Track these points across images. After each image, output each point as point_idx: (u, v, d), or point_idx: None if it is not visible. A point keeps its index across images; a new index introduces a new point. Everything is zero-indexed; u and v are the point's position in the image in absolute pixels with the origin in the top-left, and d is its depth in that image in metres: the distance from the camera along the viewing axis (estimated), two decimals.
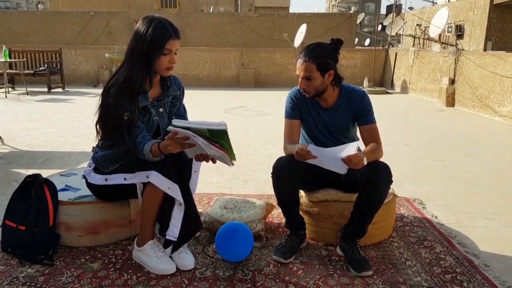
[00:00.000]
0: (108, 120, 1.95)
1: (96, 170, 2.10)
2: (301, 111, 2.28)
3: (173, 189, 1.93)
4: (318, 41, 2.22)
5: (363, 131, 2.24)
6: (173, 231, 1.98)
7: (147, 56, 1.92)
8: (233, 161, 1.87)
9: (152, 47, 1.90)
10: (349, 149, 1.92)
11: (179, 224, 1.99)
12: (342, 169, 1.97)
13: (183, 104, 2.24)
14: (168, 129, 1.77)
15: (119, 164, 2.02)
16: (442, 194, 3.19)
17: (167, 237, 1.99)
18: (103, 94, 1.97)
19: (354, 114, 2.23)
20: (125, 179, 2.00)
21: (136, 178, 1.98)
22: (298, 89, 2.28)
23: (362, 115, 2.22)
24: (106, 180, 2.06)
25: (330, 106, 2.24)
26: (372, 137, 2.20)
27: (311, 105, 2.26)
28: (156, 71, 1.98)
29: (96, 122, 2.00)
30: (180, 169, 2.04)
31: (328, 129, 2.26)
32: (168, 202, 1.99)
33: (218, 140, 1.78)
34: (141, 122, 1.98)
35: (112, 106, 1.91)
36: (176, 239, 2.00)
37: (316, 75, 2.10)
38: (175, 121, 1.76)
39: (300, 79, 2.15)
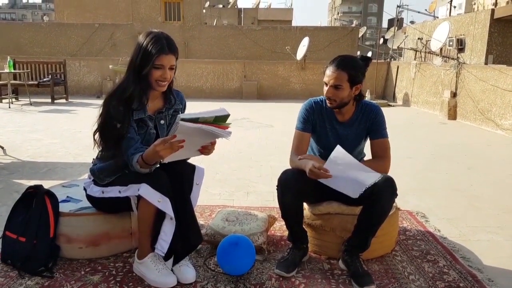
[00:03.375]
0: (104, 130, 1.96)
1: (95, 182, 2.10)
2: (314, 123, 2.27)
3: (163, 203, 1.90)
4: (350, 54, 2.24)
5: (374, 145, 2.23)
6: (162, 245, 1.96)
7: (140, 68, 1.93)
8: (229, 129, 1.84)
9: (143, 60, 1.92)
10: (372, 177, 1.94)
11: (168, 238, 1.96)
12: (355, 193, 1.98)
13: None
14: (178, 123, 1.72)
15: (115, 177, 2.02)
16: (445, 208, 3.17)
17: (155, 251, 1.98)
18: (103, 104, 1.99)
19: (367, 128, 2.24)
20: (119, 192, 2.00)
21: (129, 191, 1.98)
22: (313, 101, 2.29)
23: (375, 129, 2.22)
24: (102, 192, 2.06)
25: (346, 120, 2.25)
26: (382, 152, 2.20)
27: (327, 118, 2.26)
28: (149, 85, 1.98)
29: (94, 132, 2.01)
30: (181, 181, 2.03)
31: (342, 143, 2.25)
32: (159, 215, 1.97)
33: (219, 122, 1.82)
34: (137, 134, 1.98)
35: (108, 116, 1.93)
36: (164, 254, 1.97)
37: (345, 86, 2.10)
38: (182, 115, 1.74)
39: (327, 87, 2.14)
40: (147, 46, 1.91)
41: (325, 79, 2.15)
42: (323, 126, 2.27)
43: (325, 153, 2.27)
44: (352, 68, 2.10)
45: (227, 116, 1.82)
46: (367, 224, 2.07)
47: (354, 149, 2.26)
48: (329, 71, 2.13)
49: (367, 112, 2.23)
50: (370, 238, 2.11)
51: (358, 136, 2.26)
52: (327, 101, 2.20)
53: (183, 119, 1.72)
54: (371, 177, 1.95)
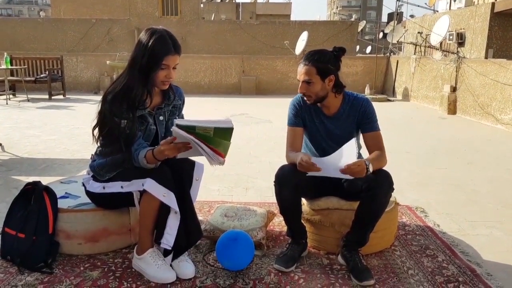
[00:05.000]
0: (104, 126, 1.95)
1: (95, 178, 2.10)
2: (304, 118, 2.27)
3: (168, 197, 1.92)
4: (321, 48, 2.23)
5: (367, 138, 2.22)
6: (168, 239, 1.96)
7: (147, 69, 1.92)
8: (225, 159, 1.82)
9: (151, 62, 1.91)
10: (347, 153, 1.90)
11: (174, 232, 1.97)
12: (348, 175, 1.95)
13: (182, 115, 2.23)
14: (171, 129, 1.74)
15: (116, 172, 2.02)
16: (444, 202, 3.17)
17: (161, 245, 1.98)
18: (101, 101, 1.98)
19: (357, 122, 2.22)
20: (122, 187, 2.00)
21: (132, 186, 1.97)
22: (301, 96, 2.28)
23: (366, 122, 2.20)
24: (103, 188, 2.06)
25: (333, 114, 2.23)
26: (376, 145, 2.18)
27: (315, 113, 2.26)
28: (153, 84, 1.99)
29: (93, 127, 2.00)
30: (180, 177, 2.03)
31: (331, 137, 2.25)
32: (164, 210, 1.97)
33: (219, 139, 1.73)
34: (138, 130, 1.98)
35: (109, 113, 1.92)
36: (170, 248, 1.98)
37: (316, 79, 2.10)
38: (179, 121, 1.72)
39: (300, 83, 2.15)
40: (154, 47, 1.89)
41: (297, 76, 2.17)
42: (312, 121, 2.26)
43: (318, 153, 2.28)
44: (319, 61, 2.10)
45: (230, 130, 1.70)
46: (364, 219, 2.07)
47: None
48: (299, 68, 2.15)
49: (355, 104, 2.21)
50: (368, 233, 2.11)
51: (347, 130, 2.23)
52: (304, 98, 2.20)
53: (178, 125, 1.68)
54: (351, 149, 1.90)
